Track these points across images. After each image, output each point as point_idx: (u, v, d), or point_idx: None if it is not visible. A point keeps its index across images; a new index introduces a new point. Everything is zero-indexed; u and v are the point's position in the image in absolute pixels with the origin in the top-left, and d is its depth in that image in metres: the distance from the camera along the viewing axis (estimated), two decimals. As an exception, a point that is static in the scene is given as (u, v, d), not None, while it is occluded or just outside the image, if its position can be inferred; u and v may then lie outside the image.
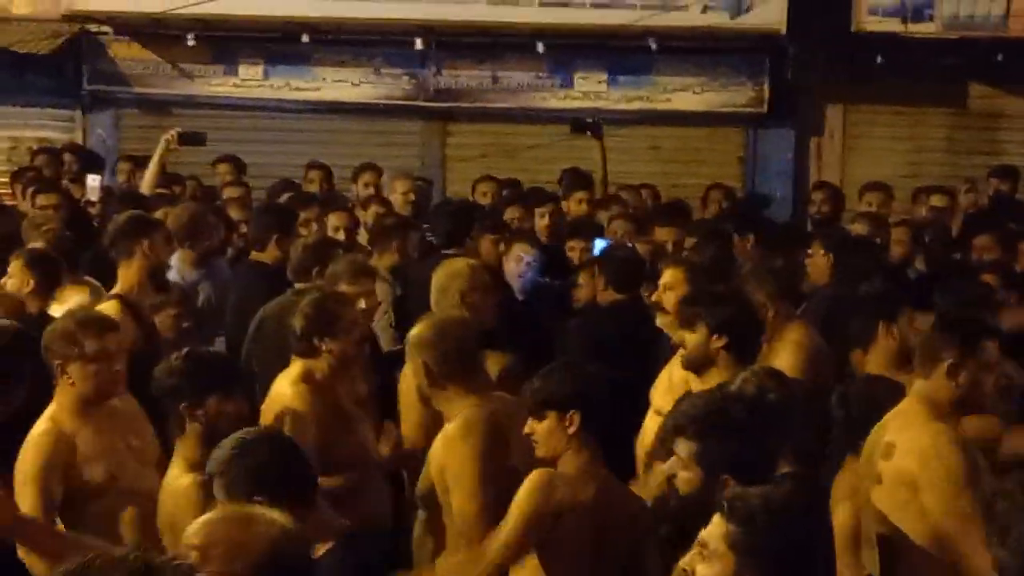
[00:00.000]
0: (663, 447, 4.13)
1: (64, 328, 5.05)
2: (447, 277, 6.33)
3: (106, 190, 9.96)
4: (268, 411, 5.42)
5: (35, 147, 12.53)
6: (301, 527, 3.05)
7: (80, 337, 4.95)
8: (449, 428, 5.04)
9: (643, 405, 6.03)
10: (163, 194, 9.80)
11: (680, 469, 4.01)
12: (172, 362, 4.77)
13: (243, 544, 2.92)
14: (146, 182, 9.89)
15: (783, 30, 12.40)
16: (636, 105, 13.13)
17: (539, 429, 4.61)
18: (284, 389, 5.45)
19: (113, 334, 5.07)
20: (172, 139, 9.85)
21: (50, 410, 4.99)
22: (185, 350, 4.90)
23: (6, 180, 11.06)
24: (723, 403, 4.27)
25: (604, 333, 6.92)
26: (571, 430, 4.54)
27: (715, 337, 5.54)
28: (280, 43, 13.14)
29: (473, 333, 5.36)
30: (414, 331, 5.29)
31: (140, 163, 10.69)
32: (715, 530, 3.31)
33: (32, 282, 6.60)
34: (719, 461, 3.95)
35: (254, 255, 7.78)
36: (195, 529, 2.99)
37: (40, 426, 4.95)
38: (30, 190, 9.62)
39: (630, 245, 8.17)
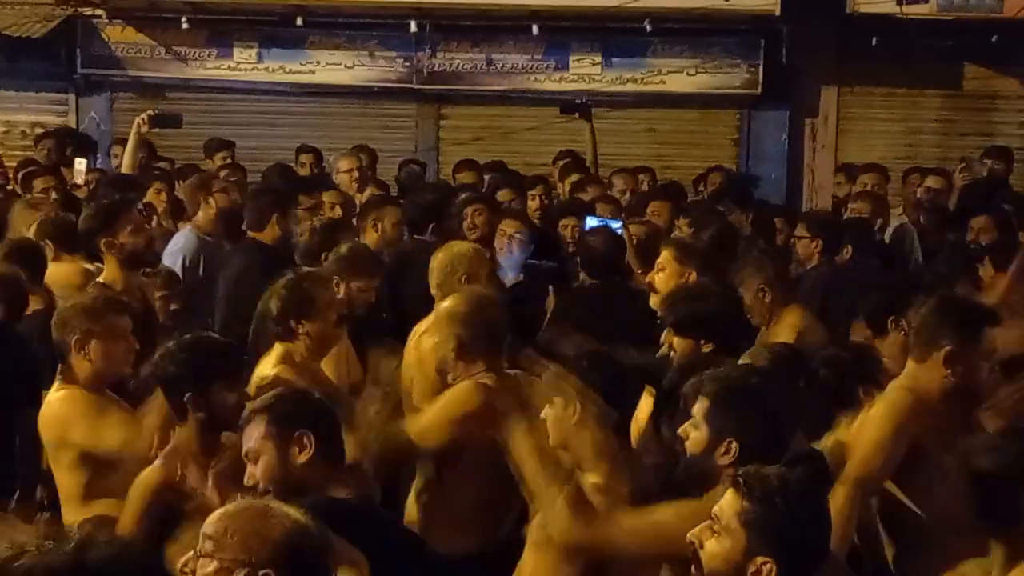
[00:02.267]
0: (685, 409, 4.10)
1: (88, 304, 5.14)
2: (452, 258, 6.32)
3: (99, 173, 9.95)
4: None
5: (32, 131, 12.53)
6: (317, 522, 3.04)
7: (105, 313, 5.06)
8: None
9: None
10: (158, 171, 9.81)
11: (691, 429, 3.98)
12: (173, 349, 4.68)
13: (260, 535, 2.93)
14: (124, 165, 9.87)
15: (778, 11, 12.38)
16: (630, 87, 13.12)
17: None
18: (264, 372, 5.45)
19: (128, 314, 5.17)
20: (144, 121, 9.81)
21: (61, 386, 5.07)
22: (187, 337, 4.85)
23: (11, 166, 11.00)
24: (745, 371, 4.27)
25: (582, 316, 6.90)
26: None
27: (703, 343, 5.48)
28: (274, 26, 13.12)
29: (506, 311, 5.37)
30: (448, 304, 5.29)
31: (143, 147, 10.65)
32: (729, 506, 3.31)
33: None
34: (728, 425, 3.92)
35: (252, 235, 7.75)
36: (213, 519, 2.99)
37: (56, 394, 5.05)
38: (21, 174, 9.66)
39: (619, 225, 8.16)
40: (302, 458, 3.96)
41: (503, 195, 9.31)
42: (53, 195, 8.68)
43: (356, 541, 3.52)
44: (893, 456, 4.60)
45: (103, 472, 4.90)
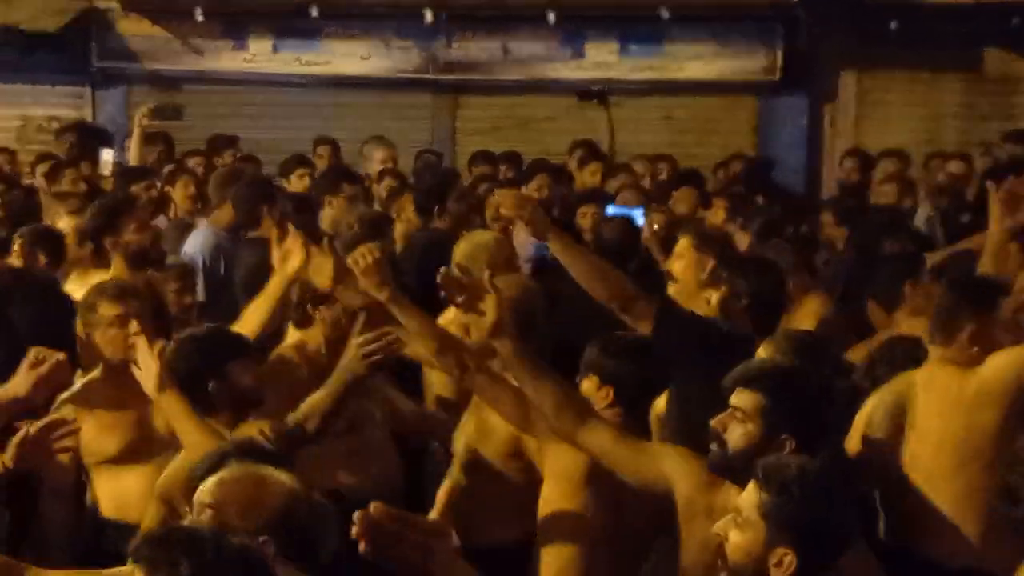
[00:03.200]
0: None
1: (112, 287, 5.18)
2: (474, 248, 6.30)
3: (117, 167, 9.94)
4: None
5: (49, 125, 12.53)
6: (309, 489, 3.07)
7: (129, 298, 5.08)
8: None
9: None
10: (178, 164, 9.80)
11: (736, 422, 3.88)
12: (178, 346, 4.71)
13: (257, 502, 2.98)
14: (131, 158, 9.85)
15: (795, -3, 12.33)
16: (648, 75, 13.05)
17: None
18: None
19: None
20: (145, 113, 9.79)
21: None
22: (186, 332, 4.88)
23: (27, 160, 10.98)
24: (802, 366, 4.15)
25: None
26: None
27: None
28: (289, 17, 13.08)
29: (543, 301, 5.36)
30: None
31: (150, 139, 10.64)
32: (749, 497, 3.29)
33: (43, 259, 6.60)
34: (786, 421, 3.83)
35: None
36: (209, 487, 3.02)
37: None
38: (41, 167, 9.65)
39: (638, 213, 8.12)
40: None
41: (537, 182, 9.27)
42: (83, 186, 8.66)
43: None
44: None
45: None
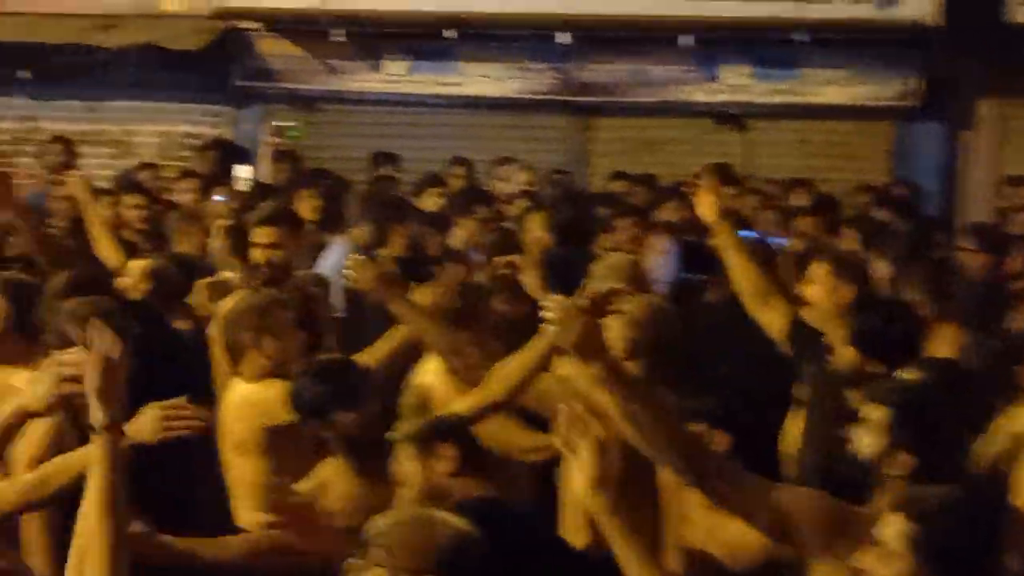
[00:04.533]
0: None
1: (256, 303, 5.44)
2: (609, 269, 6.31)
3: (256, 184, 10.13)
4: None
5: (189, 142, 12.80)
6: (479, 530, 3.13)
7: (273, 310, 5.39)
8: None
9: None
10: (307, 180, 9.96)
11: (866, 434, 3.97)
12: (303, 380, 4.88)
13: (426, 543, 3.03)
14: (264, 176, 9.97)
15: (934, 22, 12.13)
16: (783, 99, 12.95)
17: None
18: (419, 380, 5.56)
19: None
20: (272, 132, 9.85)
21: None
22: (304, 366, 5.04)
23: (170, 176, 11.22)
24: (928, 386, 4.29)
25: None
26: None
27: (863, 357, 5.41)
28: (425, 39, 13.21)
29: (677, 322, 5.37)
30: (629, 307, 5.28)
31: (285, 157, 10.83)
32: (893, 529, 3.25)
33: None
34: (907, 437, 3.90)
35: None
36: (381, 529, 3.08)
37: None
38: (184, 184, 9.86)
39: (780, 240, 8.07)
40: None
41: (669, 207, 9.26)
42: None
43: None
44: None
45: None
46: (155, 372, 4.07)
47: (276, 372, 5.31)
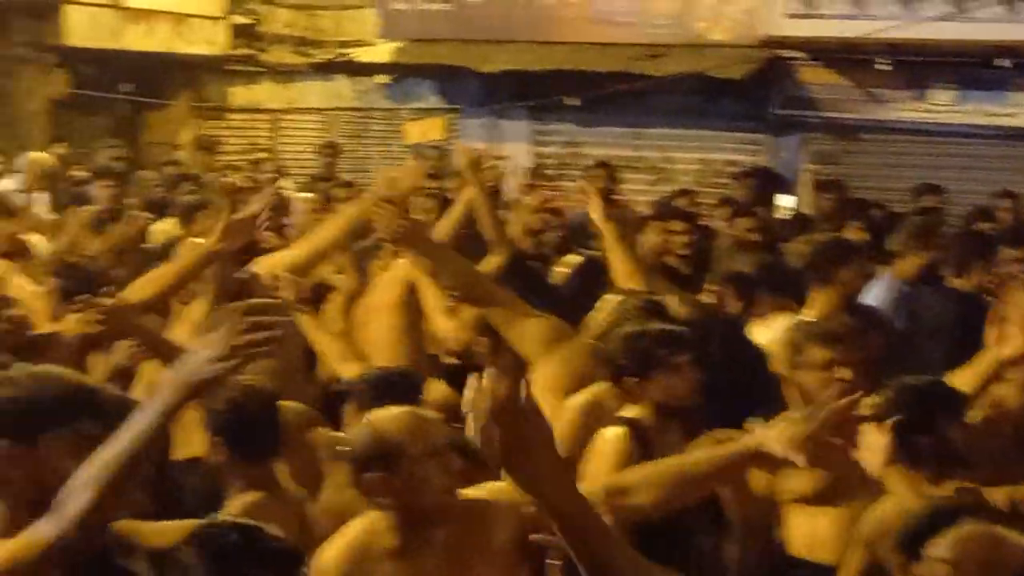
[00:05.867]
0: None
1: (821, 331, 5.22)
2: None
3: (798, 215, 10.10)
4: None
5: (726, 169, 12.93)
6: None
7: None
8: None
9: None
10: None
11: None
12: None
13: (997, 563, 2.93)
14: (805, 204, 9.83)
15: None
16: None
17: None
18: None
19: None
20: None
21: None
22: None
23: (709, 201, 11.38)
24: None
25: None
26: None
27: None
28: (973, 67, 12.78)
29: None
30: None
31: (830, 187, 10.72)
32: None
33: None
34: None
35: (950, 281, 7.56)
36: (947, 543, 3.00)
37: None
38: (722, 212, 9.96)
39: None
40: None
41: None
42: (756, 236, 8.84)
43: None
44: None
45: None
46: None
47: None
